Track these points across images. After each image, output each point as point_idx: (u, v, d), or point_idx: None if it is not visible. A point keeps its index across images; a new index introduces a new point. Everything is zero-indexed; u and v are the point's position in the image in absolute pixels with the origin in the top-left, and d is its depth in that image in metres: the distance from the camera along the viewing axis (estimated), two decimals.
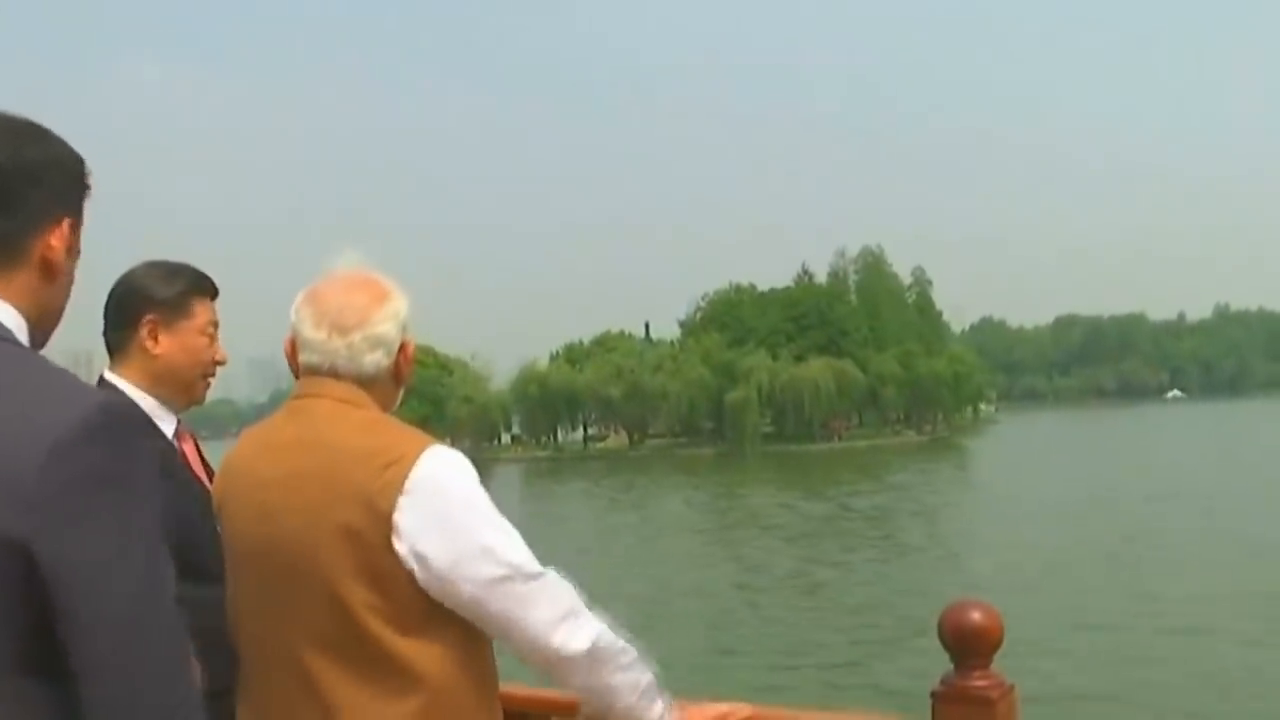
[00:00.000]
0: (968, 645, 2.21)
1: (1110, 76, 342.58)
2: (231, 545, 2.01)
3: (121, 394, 2.37)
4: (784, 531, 35.35)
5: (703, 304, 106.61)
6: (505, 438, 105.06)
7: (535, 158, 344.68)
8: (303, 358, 2.01)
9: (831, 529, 35.45)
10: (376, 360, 1.99)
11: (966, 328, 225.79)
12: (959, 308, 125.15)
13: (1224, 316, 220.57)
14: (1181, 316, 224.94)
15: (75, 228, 1.44)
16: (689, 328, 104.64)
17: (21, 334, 1.36)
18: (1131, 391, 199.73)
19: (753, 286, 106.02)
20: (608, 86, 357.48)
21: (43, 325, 1.42)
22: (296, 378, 2.04)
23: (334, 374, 1.98)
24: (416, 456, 1.85)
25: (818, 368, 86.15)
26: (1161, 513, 32.75)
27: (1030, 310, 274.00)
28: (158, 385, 2.48)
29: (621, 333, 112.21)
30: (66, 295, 1.46)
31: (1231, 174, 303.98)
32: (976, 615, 2.20)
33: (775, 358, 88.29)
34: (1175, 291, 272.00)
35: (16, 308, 1.37)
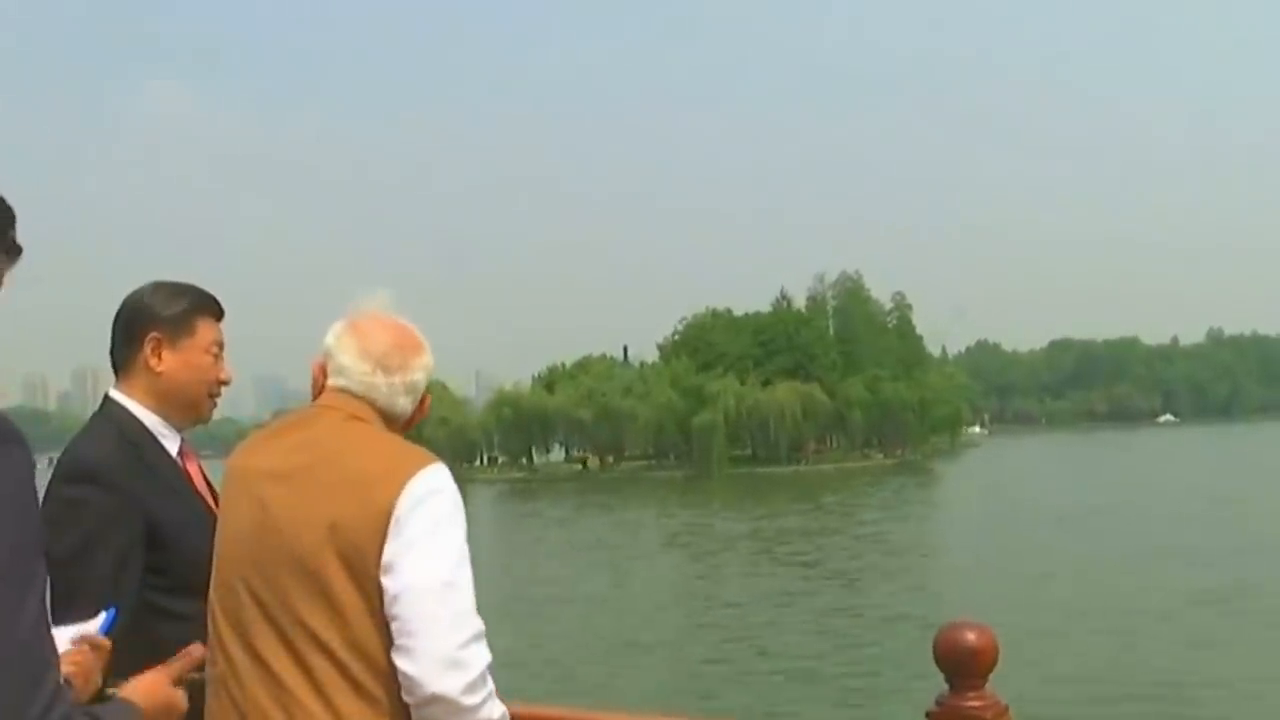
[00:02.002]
0: (962, 666, 2.21)
1: (1109, 92, 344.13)
2: (221, 532, 2.05)
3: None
4: (686, 550, 36.99)
5: (680, 327, 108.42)
6: (485, 459, 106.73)
7: (544, 167, 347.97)
8: (336, 381, 2.07)
9: (738, 548, 36.98)
10: (405, 405, 2.09)
11: (963, 350, 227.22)
12: (940, 332, 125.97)
13: (1217, 341, 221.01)
14: (1175, 340, 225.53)
15: None
16: (665, 351, 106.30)
17: None
18: (1123, 415, 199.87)
19: (729, 311, 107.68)
20: (622, 97, 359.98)
21: None
22: (314, 398, 2.11)
23: (359, 399, 2.06)
24: (424, 465, 1.93)
25: (784, 392, 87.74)
26: (1098, 531, 33.87)
27: (1026, 334, 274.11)
28: (162, 403, 2.49)
29: (603, 356, 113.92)
30: None
31: (1226, 197, 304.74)
32: (971, 636, 2.21)
33: (743, 382, 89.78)
34: (1169, 316, 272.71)
35: None
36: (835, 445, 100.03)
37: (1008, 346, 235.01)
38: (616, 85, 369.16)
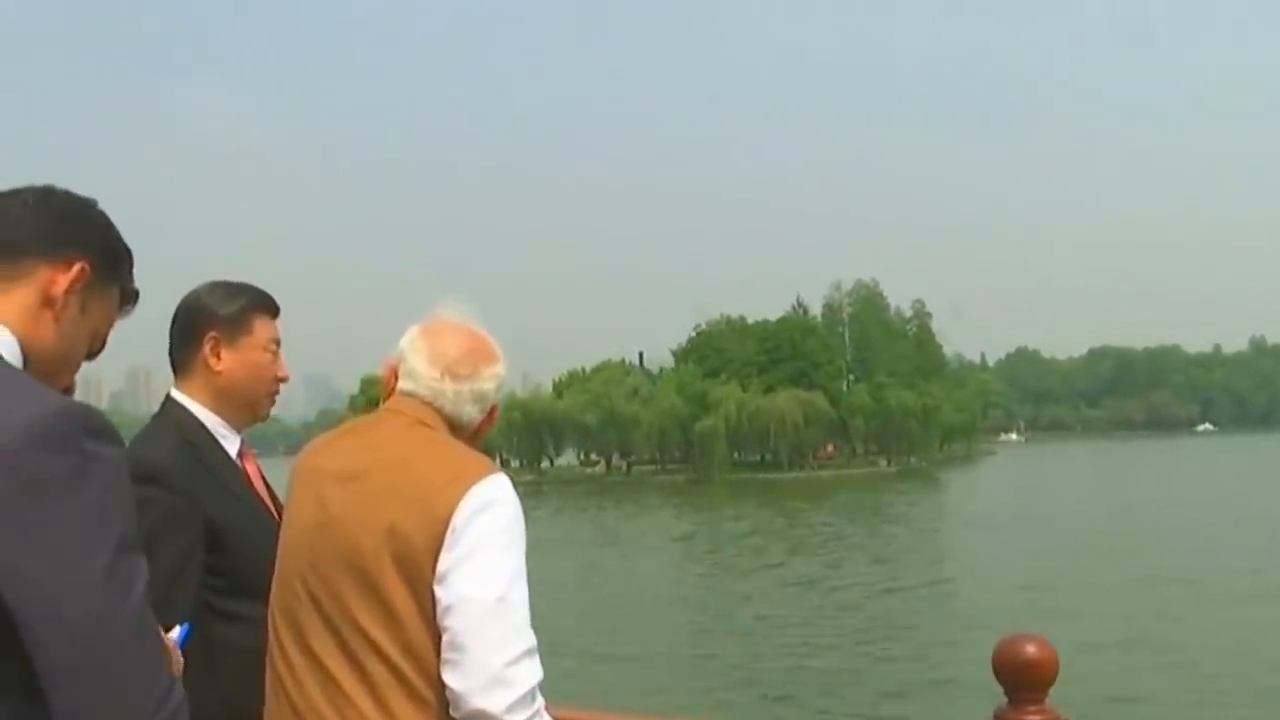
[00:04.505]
0: (1021, 679, 2.19)
1: (1145, 93, 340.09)
2: (284, 532, 2.06)
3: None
4: (624, 549, 39.09)
5: (693, 334, 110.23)
6: (500, 462, 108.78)
7: (563, 167, 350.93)
8: (405, 385, 2.07)
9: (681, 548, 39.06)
10: (472, 413, 2.08)
11: (1002, 356, 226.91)
12: (937, 332, 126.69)
13: (1259, 349, 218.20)
14: (1217, 349, 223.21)
15: (90, 282, 1.49)
16: (677, 357, 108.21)
17: (9, 351, 1.39)
18: (1161, 423, 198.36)
19: (742, 318, 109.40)
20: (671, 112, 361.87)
21: (37, 363, 1.42)
22: (385, 399, 2.11)
23: (426, 405, 2.05)
24: (485, 475, 1.90)
25: (785, 399, 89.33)
26: (1066, 537, 33.95)
27: (1066, 341, 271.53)
28: (221, 402, 2.49)
29: (623, 361, 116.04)
30: (66, 348, 1.48)
31: (1271, 205, 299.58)
32: (1031, 649, 2.18)
33: (745, 389, 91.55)
34: (1212, 323, 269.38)
35: (7, 324, 1.40)
36: (848, 452, 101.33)
37: (1047, 354, 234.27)
38: (627, 88, 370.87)
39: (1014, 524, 40.76)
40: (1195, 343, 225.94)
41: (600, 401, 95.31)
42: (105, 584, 1.24)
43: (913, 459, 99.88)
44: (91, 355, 1.55)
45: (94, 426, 1.31)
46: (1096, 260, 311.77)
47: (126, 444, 2.20)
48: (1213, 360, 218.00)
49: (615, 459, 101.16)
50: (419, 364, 2.06)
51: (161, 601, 1.68)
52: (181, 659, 1.68)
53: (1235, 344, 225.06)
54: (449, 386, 2.05)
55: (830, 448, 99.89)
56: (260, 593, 2.08)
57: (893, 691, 16.75)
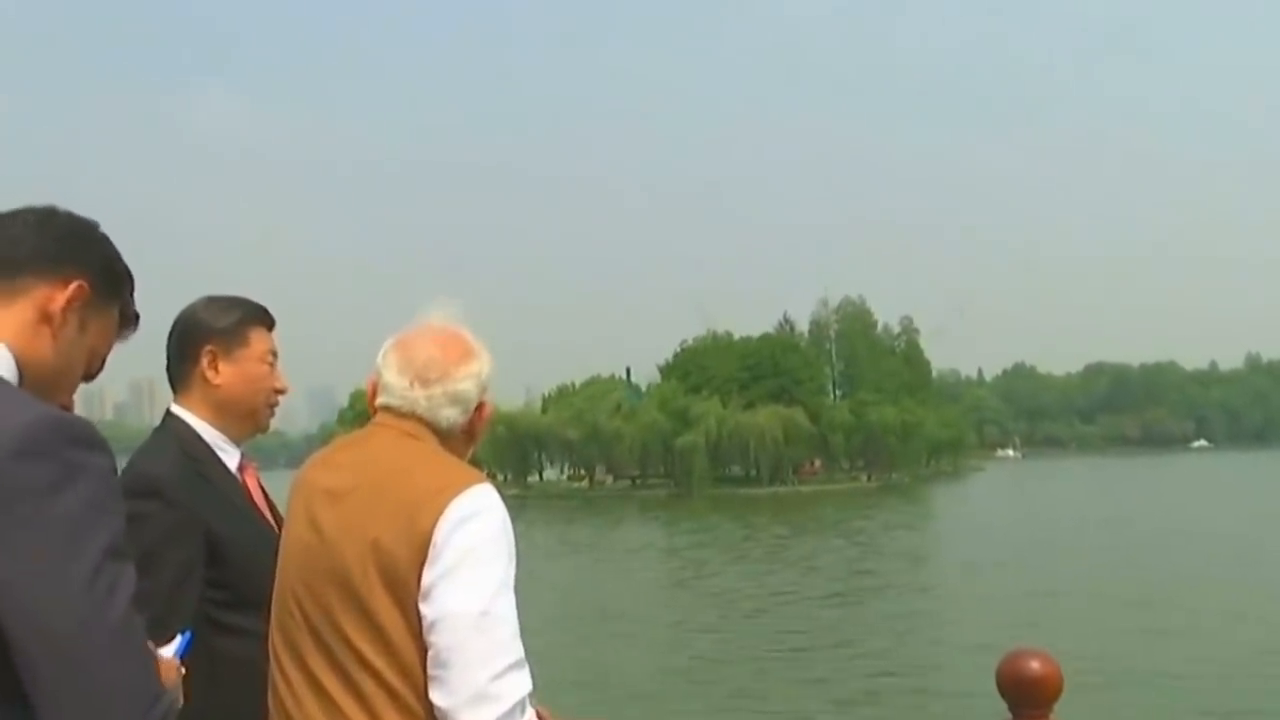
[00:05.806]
0: (1025, 694, 2.21)
1: (1137, 91, 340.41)
2: (281, 548, 2.07)
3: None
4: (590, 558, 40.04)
5: (679, 350, 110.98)
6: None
7: (566, 167, 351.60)
8: (381, 400, 2.06)
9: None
10: (452, 416, 2.04)
11: (1000, 373, 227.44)
12: (937, 331, 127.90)
13: (1255, 367, 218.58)
14: (1213, 366, 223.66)
15: (89, 301, 1.49)
16: (664, 373, 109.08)
17: (4, 365, 1.38)
18: (1156, 440, 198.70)
19: (729, 334, 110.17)
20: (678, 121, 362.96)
21: (33, 379, 1.41)
22: (372, 416, 2.10)
23: (409, 417, 2.04)
24: (468, 487, 1.88)
25: (765, 415, 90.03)
26: (1006, 566, 32.30)
27: (1063, 357, 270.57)
28: (221, 415, 2.51)
29: (612, 377, 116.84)
30: (64, 365, 1.48)
31: (1268, 220, 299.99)
32: (1035, 664, 2.19)
33: (726, 405, 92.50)
34: (1208, 340, 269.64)
35: (3, 340, 1.40)
36: (828, 468, 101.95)
37: (1043, 370, 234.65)
38: (628, 88, 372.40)
39: (984, 536, 41.30)
40: (1191, 359, 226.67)
41: (584, 417, 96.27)
42: (87, 591, 1.22)
43: (895, 475, 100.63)
44: (90, 376, 1.58)
45: (76, 435, 1.29)
46: (1095, 268, 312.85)
47: (128, 457, 2.35)
48: (1208, 377, 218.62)
49: (599, 473, 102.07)
50: (390, 376, 2.07)
51: (162, 615, 1.74)
52: (181, 669, 1.69)
53: (1231, 361, 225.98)
54: (420, 394, 2.04)
55: (816, 463, 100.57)
56: (260, 606, 2.12)
57: (884, 702, 16.55)
